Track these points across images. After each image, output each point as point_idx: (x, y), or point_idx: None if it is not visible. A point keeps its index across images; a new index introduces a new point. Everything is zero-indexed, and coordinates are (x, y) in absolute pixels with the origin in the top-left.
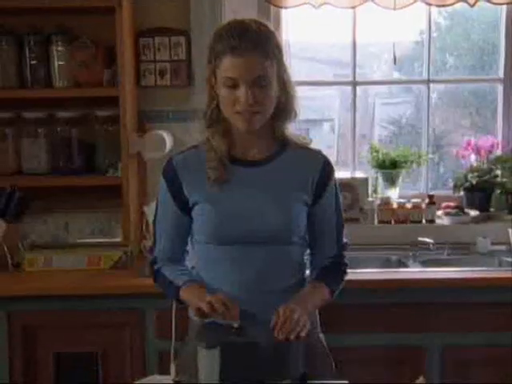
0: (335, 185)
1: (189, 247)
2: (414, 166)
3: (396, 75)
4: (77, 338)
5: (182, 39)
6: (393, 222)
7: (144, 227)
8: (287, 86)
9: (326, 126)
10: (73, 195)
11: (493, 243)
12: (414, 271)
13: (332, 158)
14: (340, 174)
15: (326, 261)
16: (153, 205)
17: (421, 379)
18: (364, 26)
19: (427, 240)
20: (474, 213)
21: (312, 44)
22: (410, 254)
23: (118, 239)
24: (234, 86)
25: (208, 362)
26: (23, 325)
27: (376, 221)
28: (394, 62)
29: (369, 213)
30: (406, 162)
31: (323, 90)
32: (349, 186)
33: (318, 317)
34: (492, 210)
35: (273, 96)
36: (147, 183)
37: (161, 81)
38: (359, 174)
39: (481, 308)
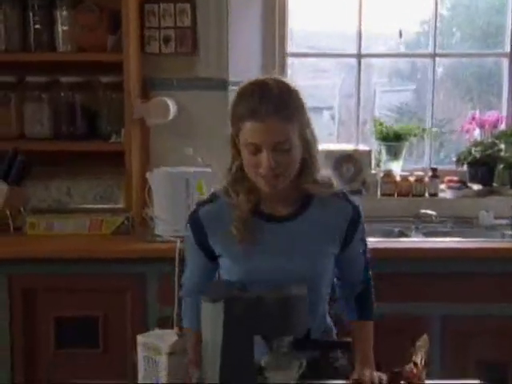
0: (363, 224)
1: None
2: (418, 139)
3: (400, 63)
4: (77, 302)
5: (187, 6)
6: (395, 194)
7: (146, 194)
8: (310, 145)
9: (326, 114)
10: (75, 161)
11: (496, 217)
12: (415, 241)
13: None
14: (343, 146)
15: (357, 288)
16: (156, 171)
17: (424, 337)
18: (369, 15)
19: (430, 212)
20: (477, 187)
21: (316, 33)
22: (413, 226)
23: (120, 205)
24: (256, 150)
25: (212, 316)
26: (24, 288)
27: (379, 193)
28: (400, 36)
29: (371, 185)
30: (409, 135)
31: (324, 79)
32: (352, 158)
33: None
34: (495, 184)
35: (296, 158)
36: (150, 149)
37: (165, 48)
38: (362, 147)
39: (482, 278)
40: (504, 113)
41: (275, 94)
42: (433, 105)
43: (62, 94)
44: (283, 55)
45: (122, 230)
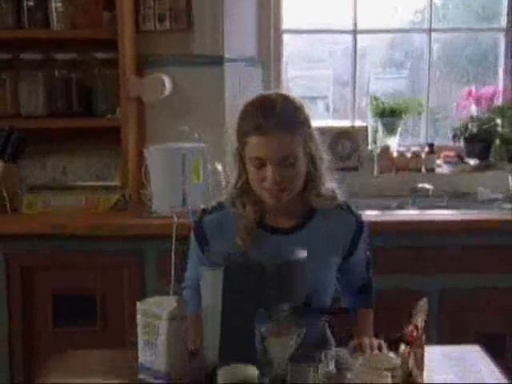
0: (367, 234)
1: None
2: (414, 116)
3: (392, 53)
4: (75, 280)
5: None
6: (392, 170)
7: (143, 172)
8: (315, 159)
9: (320, 104)
10: (71, 139)
11: (493, 192)
12: (412, 214)
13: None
14: (339, 122)
15: (357, 285)
16: (152, 147)
17: (424, 300)
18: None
19: (427, 186)
20: (473, 162)
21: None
22: (409, 200)
23: (117, 183)
24: (261, 164)
25: (212, 283)
26: (22, 266)
27: (375, 170)
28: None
29: (368, 161)
30: (405, 111)
31: (318, 70)
32: (348, 135)
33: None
34: (492, 160)
35: (301, 172)
36: (146, 127)
37: (160, 25)
38: (359, 123)
39: (480, 251)
40: (500, 88)
41: (279, 108)
42: (429, 81)
43: (57, 72)
44: (278, 32)
45: (119, 208)
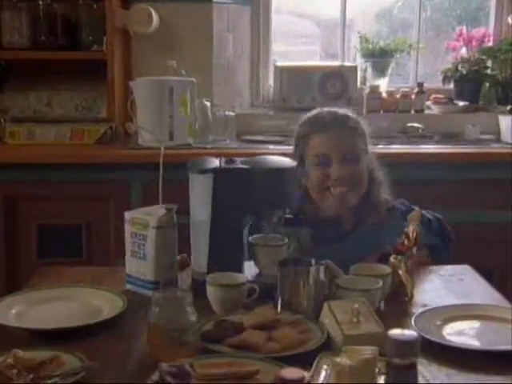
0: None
1: None
2: (405, 55)
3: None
4: (60, 210)
5: None
6: (381, 111)
7: (129, 105)
8: (372, 173)
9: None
10: (56, 72)
11: (481, 133)
12: (401, 147)
13: None
14: (328, 62)
15: None
16: (139, 80)
17: (417, 210)
18: None
19: (416, 125)
20: (463, 104)
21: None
22: (399, 140)
23: (103, 115)
24: (325, 163)
25: (200, 189)
26: (5, 195)
27: (364, 110)
28: None
29: (357, 102)
30: (395, 51)
31: (305, 46)
32: (337, 74)
33: None
34: (481, 103)
35: (364, 172)
36: (132, 61)
37: None
38: (348, 63)
39: (471, 185)
40: (491, 30)
41: (341, 112)
42: (419, 21)
43: (41, 3)
44: None
45: (105, 140)
